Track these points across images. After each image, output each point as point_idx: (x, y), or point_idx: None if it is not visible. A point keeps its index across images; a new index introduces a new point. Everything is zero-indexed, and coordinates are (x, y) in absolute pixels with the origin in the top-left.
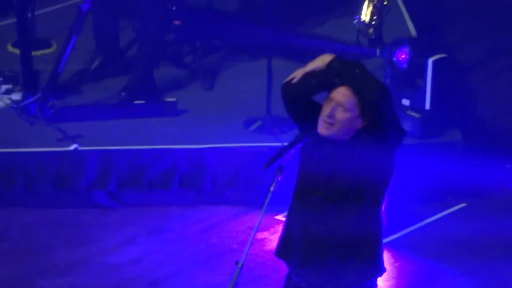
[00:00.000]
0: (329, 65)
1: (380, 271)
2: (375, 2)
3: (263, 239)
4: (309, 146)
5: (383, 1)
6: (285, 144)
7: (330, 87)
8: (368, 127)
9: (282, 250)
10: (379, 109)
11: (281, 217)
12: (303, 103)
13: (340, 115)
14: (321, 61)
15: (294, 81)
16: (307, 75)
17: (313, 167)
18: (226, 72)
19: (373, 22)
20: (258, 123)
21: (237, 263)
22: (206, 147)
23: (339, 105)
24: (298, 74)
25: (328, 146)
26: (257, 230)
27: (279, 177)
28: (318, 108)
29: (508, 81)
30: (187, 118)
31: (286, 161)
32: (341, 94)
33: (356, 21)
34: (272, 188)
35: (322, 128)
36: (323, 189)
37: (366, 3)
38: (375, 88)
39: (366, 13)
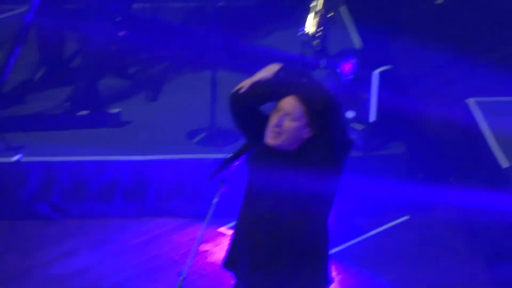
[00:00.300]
0: (277, 74)
1: (327, 281)
2: (320, 14)
3: (206, 251)
4: (257, 156)
5: (328, 13)
6: (229, 156)
7: (277, 97)
8: (315, 137)
9: (230, 260)
10: (326, 119)
11: (224, 229)
12: (250, 114)
13: (288, 124)
14: (268, 71)
15: (242, 91)
16: (255, 85)
17: (260, 177)
18: (170, 83)
19: (318, 34)
20: (202, 135)
21: (180, 275)
22: (149, 159)
23: (287, 114)
24: (245, 84)
25: (275, 156)
26: (200, 242)
27: (222, 189)
28: (265, 118)
29: (451, 94)
30: (131, 129)
31: (229, 173)
32: (289, 103)
33: (300, 32)
34: (215, 200)
35: (270, 138)
36: (271, 198)
37: (311, 15)
38: (323, 97)
39: (311, 25)
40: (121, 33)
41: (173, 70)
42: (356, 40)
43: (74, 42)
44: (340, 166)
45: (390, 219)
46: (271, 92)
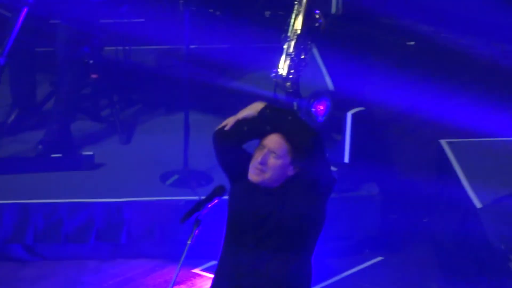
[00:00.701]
0: (261, 112)
1: None
2: (292, 56)
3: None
4: (239, 194)
5: (300, 55)
6: (202, 197)
7: (261, 135)
8: (299, 175)
9: None
10: (311, 157)
11: (198, 271)
12: (233, 151)
13: (272, 162)
14: (253, 109)
15: (226, 128)
16: (239, 123)
17: (243, 215)
18: (143, 126)
19: (291, 76)
20: (175, 177)
21: None
22: (123, 201)
23: (271, 152)
24: (230, 121)
25: (258, 193)
26: (175, 284)
27: (196, 231)
28: (248, 156)
29: (425, 135)
30: (104, 172)
31: (203, 215)
32: (274, 141)
33: (273, 74)
34: (189, 242)
35: (254, 175)
36: (253, 236)
37: (283, 57)
38: (308, 135)
39: (283, 67)
40: (94, 76)
41: (145, 113)
42: (329, 82)
43: (46, 85)
44: (324, 204)
45: (364, 259)
46: (255, 129)
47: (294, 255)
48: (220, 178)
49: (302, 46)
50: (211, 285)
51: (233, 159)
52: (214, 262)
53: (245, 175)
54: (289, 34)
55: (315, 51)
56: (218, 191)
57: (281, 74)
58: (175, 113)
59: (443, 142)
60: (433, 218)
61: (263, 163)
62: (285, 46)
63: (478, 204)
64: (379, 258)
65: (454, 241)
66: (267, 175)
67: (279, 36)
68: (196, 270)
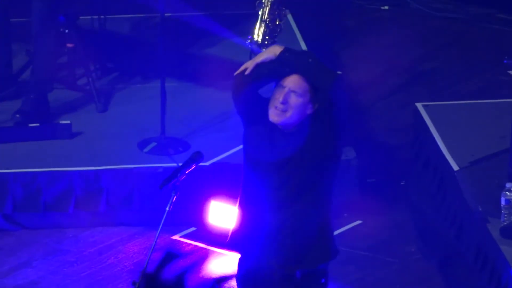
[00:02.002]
0: (280, 55)
1: (333, 254)
2: (267, 22)
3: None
4: (256, 140)
5: (275, 21)
6: (180, 164)
7: (280, 77)
8: (315, 115)
9: (236, 240)
10: (331, 95)
11: (177, 237)
12: (251, 95)
13: (293, 100)
14: (271, 52)
15: (246, 72)
16: (258, 66)
17: (264, 160)
18: (119, 94)
19: (266, 42)
20: (153, 144)
21: (134, 283)
22: (101, 169)
23: (292, 91)
24: (249, 65)
25: (277, 137)
26: (154, 251)
27: (175, 197)
28: (263, 100)
29: (399, 100)
30: (81, 140)
31: (181, 181)
32: (294, 81)
33: (248, 41)
34: (168, 208)
35: (275, 116)
36: (276, 182)
37: (258, 23)
38: (326, 75)
39: (258, 33)
40: (70, 45)
41: (122, 81)
42: (304, 48)
43: (23, 55)
44: (341, 144)
45: (343, 223)
46: (274, 72)
47: (315, 192)
48: (197, 145)
49: (276, 12)
50: (234, 230)
51: (249, 103)
52: (193, 229)
53: (260, 119)
54: (263, 0)
55: (289, 17)
56: (196, 157)
57: (256, 41)
58: (152, 81)
59: (419, 105)
60: (410, 181)
61: (285, 102)
62: (259, 12)
63: (455, 167)
64: (358, 222)
65: (431, 204)
66: (288, 114)
67: (254, 2)
68: (175, 237)
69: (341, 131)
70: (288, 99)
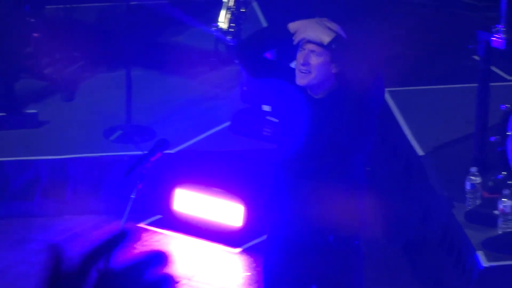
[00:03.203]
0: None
1: (362, 224)
2: (232, 9)
3: (125, 247)
4: (289, 112)
5: (240, 8)
6: (145, 152)
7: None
8: (344, 84)
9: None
10: (349, 54)
11: (143, 225)
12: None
13: (314, 61)
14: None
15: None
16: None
17: (298, 126)
18: (85, 83)
19: (231, 29)
20: (118, 133)
21: (98, 270)
22: (67, 157)
23: (312, 51)
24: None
25: (309, 103)
26: None
27: (140, 185)
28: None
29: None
30: (47, 129)
31: (146, 169)
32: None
33: (214, 28)
34: (133, 196)
35: (300, 79)
36: (308, 146)
37: (223, 10)
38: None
39: (224, 20)
40: (35, 35)
41: (88, 70)
42: None
43: None
44: (373, 114)
45: None
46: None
47: (347, 172)
48: (163, 133)
49: (241, 0)
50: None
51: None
52: (159, 216)
53: (290, 91)
54: None
55: (255, 4)
56: (161, 145)
57: (222, 28)
58: (117, 69)
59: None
60: (376, 167)
61: (306, 63)
62: (225, 0)
63: (420, 152)
64: None
65: (398, 189)
66: (313, 75)
67: None
68: (141, 224)
69: (375, 110)
70: (309, 60)
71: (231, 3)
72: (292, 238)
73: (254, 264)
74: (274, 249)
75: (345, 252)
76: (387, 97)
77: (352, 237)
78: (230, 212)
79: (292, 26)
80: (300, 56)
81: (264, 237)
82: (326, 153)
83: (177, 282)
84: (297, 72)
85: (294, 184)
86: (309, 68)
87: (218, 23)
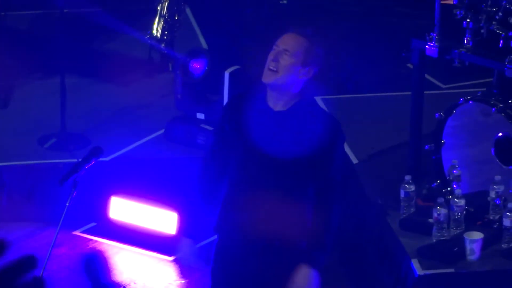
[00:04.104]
0: None
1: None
2: (166, 17)
3: (61, 255)
4: (253, 119)
5: (174, 16)
6: (79, 159)
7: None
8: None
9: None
10: (321, 62)
11: (78, 233)
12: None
13: (285, 60)
14: None
15: None
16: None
17: (258, 138)
18: (19, 90)
19: (165, 37)
20: (53, 140)
21: (34, 278)
22: (1, 165)
23: (285, 50)
24: None
25: (269, 115)
26: (55, 246)
27: (75, 192)
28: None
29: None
30: None
31: (80, 176)
32: (287, 40)
33: (147, 36)
34: (67, 203)
35: (266, 77)
36: (264, 162)
37: (157, 18)
38: (321, 37)
39: (157, 28)
40: None
41: (22, 77)
42: (203, 43)
43: None
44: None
45: None
46: None
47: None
48: (97, 140)
49: (175, 7)
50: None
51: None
52: (93, 224)
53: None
54: None
55: (188, 11)
56: (95, 153)
57: (156, 36)
58: (51, 77)
59: (318, 99)
60: None
61: (276, 60)
62: (158, 8)
63: (354, 160)
64: None
65: None
66: (279, 75)
67: None
68: (76, 232)
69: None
70: (279, 59)
71: (165, 11)
72: (237, 243)
73: (188, 272)
74: (219, 256)
75: (291, 257)
76: (322, 105)
77: (298, 241)
78: (164, 220)
79: None
80: (271, 53)
81: (199, 244)
82: (278, 164)
83: None
84: (265, 69)
85: (241, 193)
86: (277, 66)
87: (152, 31)
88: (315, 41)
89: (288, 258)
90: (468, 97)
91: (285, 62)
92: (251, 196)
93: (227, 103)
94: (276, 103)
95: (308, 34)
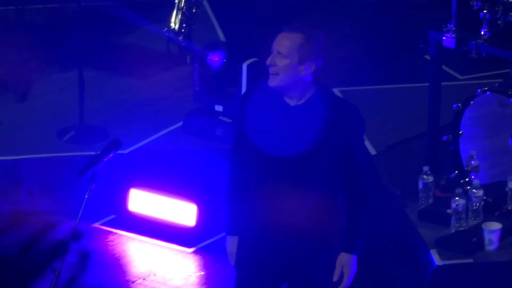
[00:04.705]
0: None
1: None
2: (184, 10)
3: (80, 248)
4: (265, 114)
5: (192, 9)
6: (98, 152)
7: None
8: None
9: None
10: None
11: (98, 225)
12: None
13: (280, 63)
14: None
15: None
16: None
17: (278, 134)
18: (38, 83)
19: (183, 30)
20: (71, 133)
21: (53, 270)
22: (20, 158)
23: (278, 52)
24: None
25: (287, 110)
26: (73, 238)
27: (93, 185)
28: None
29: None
30: (1, 130)
31: (99, 169)
32: (279, 42)
33: (166, 29)
34: (86, 196)
35: (270, 81)
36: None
37: (175, 11)
38: (312, 31)
39: (175, 21)
40: None
41: (40, 70)
42: (221, 36)
43: None
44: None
45: None
46: None
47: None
48: (116, 133)
49: (193, 0)
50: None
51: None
52: (113, 216)
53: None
54: None
55: (206, 4)
56: (114, 145)
57: (174, 29)
58: (70, 70)
59: (336, 90)
60: None
61: (273, 64)
62: (176, 1)
63: (372, 151)
64: None
65: None
66: (279, 77)
67: None
68: (96, 225)
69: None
70: (275, 61)
71: (182, 4)
72: (264, 237)
73: (208, 264)
74: (245, 248)
75: (319, 248)
76: (338, 95)
77: (326, 232)
78: (183, 212)
79: None
80: (269, 57)
81: (218, 236)
82: (302, 158)
83: (132, 282)
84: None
85: (267, 189)
86: (275, 69)
87: (170, 24)
88: (309, 35)
89: (317, 249)
90: (486, 88)
91: (281, 64)
92: (277, 191)
93: (243, 98)
94: (292, 98)
95: (300, 30)
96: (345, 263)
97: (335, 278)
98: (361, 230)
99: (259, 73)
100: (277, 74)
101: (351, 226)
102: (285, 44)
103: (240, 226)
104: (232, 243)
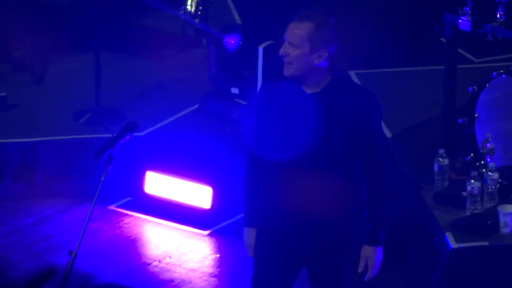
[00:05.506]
0: None
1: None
2: None
3: (96, 229)
4: (284, 101)
5: None
6: (114, 134)
7: None
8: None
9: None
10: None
11: (114, 207)
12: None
13: (293, 52)
14: None
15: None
16: None
17: (297, 122)
18: (54, 66)
19: (199, 12)
20: (87, 116)
21: (70, 252)
22: (37, 140)
23: (289, 43)
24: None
25: (304, 98)
26: (90, 221)
27: (110, 167)
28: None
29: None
30: (17, 112)
31: (115, 151)
32: (289, 32)
33: (182, 11)
34: (103, 178)
35: (285, 70)
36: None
37: None
38: (321, 19)
39: (191, 3)
40: (3, 18)
41: (57, 52)
42: (237, 18)
43: None
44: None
45: None
46: None
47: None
48: (132, 115)
49: None
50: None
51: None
52: (129, 199)
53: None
54: None
55: None
56: (130, 127)
57: (190, 11)
58: (86, 52)
59: (351, 73)
60: None
61: (285, 55)
62: None
63: (388, 134)
64: None
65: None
66: (294, 66)
67: None
68: (112, 207)
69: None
70: (288, 51)
71: None
72: (283, 221)
73: (223, 246)
74: (264, 235)
75: (337, 235)
76: (355, 79)
77: (345, 218)
78: (199, 194)
79: None
80: (282, 48)
81: (233, 219)
82: (321, 144)
83: (148, 264)
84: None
85: (286, 177)
86: (289, 59)
87: (186, 6)
88: (318, 23)
89: (335, 234)
90: (501, 71)
91: (293, 54)
92: (296, 178)
93: (260, 90)
94: (309, 86)
95: (309, 18)
96: (369, 255)
97: (360, 270)
98: (382, 220)
99: (275, 56)
100: (290, 63)
101: (373, 217)
102: (295, 34)
103: (258, 217)
104: (250, 235)
